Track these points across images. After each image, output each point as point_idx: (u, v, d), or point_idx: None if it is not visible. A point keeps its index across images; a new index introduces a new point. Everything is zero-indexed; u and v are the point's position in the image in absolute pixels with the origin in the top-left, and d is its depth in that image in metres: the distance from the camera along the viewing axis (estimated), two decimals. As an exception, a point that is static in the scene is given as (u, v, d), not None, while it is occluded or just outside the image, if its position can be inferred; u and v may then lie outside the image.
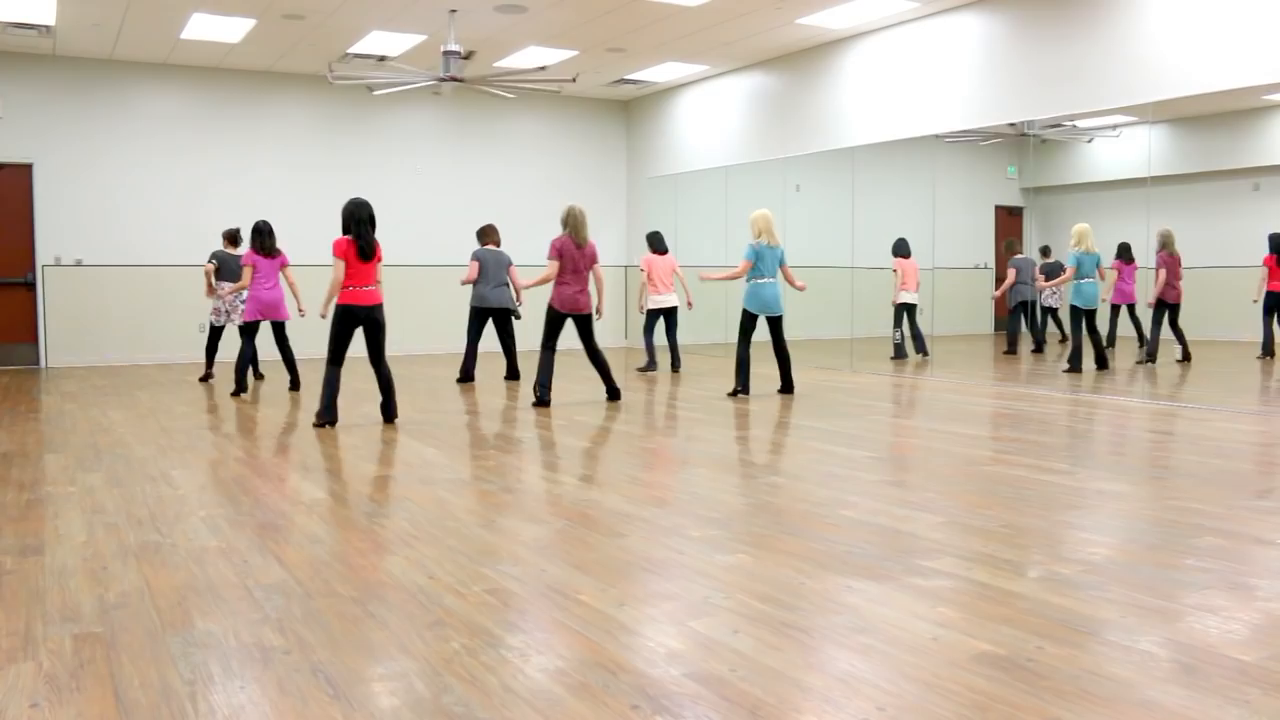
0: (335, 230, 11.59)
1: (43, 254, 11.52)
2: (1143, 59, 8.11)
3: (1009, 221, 12.08)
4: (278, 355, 9.42)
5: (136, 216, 11.91)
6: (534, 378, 8.12)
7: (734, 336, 8.64)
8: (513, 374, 9.84)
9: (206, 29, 10.27)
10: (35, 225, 11.48)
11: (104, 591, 3.33)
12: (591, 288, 8.15)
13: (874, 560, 3.62)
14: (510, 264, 9.64)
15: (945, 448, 5.98)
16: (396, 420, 7.15)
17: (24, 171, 11.42)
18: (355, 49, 11.10)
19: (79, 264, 11.68)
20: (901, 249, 11.61)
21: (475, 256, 9.53)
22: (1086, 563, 3.57)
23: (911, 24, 10.12)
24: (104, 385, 9.69)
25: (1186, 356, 10.07)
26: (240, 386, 8.79)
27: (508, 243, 12.21)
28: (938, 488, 4.85)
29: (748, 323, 8.47)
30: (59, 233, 11.58)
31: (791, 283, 8.56)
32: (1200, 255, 9.98)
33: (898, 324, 11.73)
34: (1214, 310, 10.09)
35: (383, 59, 11.41)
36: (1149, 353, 10.16)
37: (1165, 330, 10.08)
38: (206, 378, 9.97)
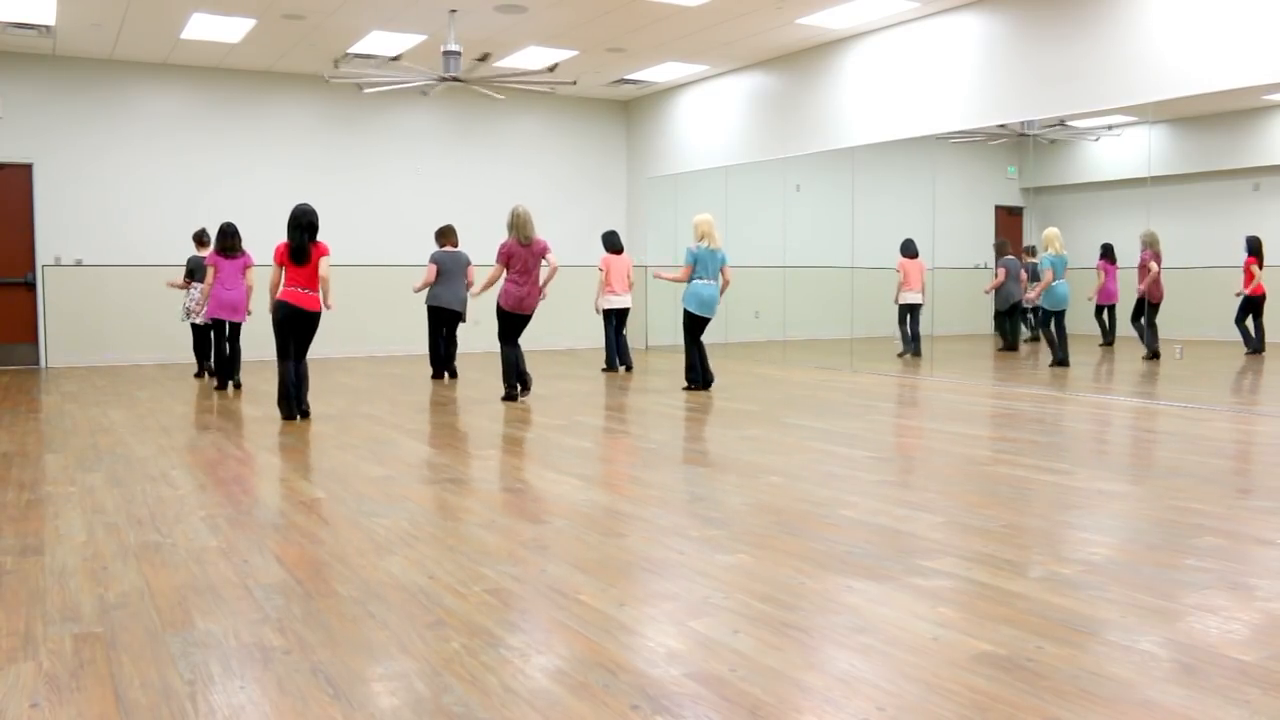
0: (333, 229, 11.61)
1: (43, 254, 11.52)
2: (1143, 59, 8.11)
3: (1009, 221, 12.08)
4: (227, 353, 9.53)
5: (136, 216, 11.91)
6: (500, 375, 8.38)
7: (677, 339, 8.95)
8: (452, 372, 10.10)
9: (206, 29, 10.27)
10: (35, 225, 11.48)
11: (104, 591, 3.33)
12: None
13: (874, 560, 3.62)
14: (469, 264, 9.87)
15: (945, 448, 5.98)
16: (309, 417, 7.36)
17: (24, 171, 11.42)
18: (355, 49, 11.10)
19: (79, 264, 11.68)
20: (907, 249, 11.64)
21: (433, 259, 9.75)
22: (1086, 563, 3.57)
23: (911, 24, 10.12)
24: (104, 385, 9.70)
25: (1155, 354, 10.20)
26: (222, 381, 9.33)
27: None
28: (938, 488, 4.85)
29: (690, 323, 8.87)
30: (59, 233, 11.57)
31: (727, 281, 8.90)
32: (1200, 255, 9.99)
33: (902, 322, 11.82)
34: (1214, 310, 10.09)
35: (371, 57, 11.41)
36: (1152, 350, 10.24)
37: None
38: (201, 374, 10.37)
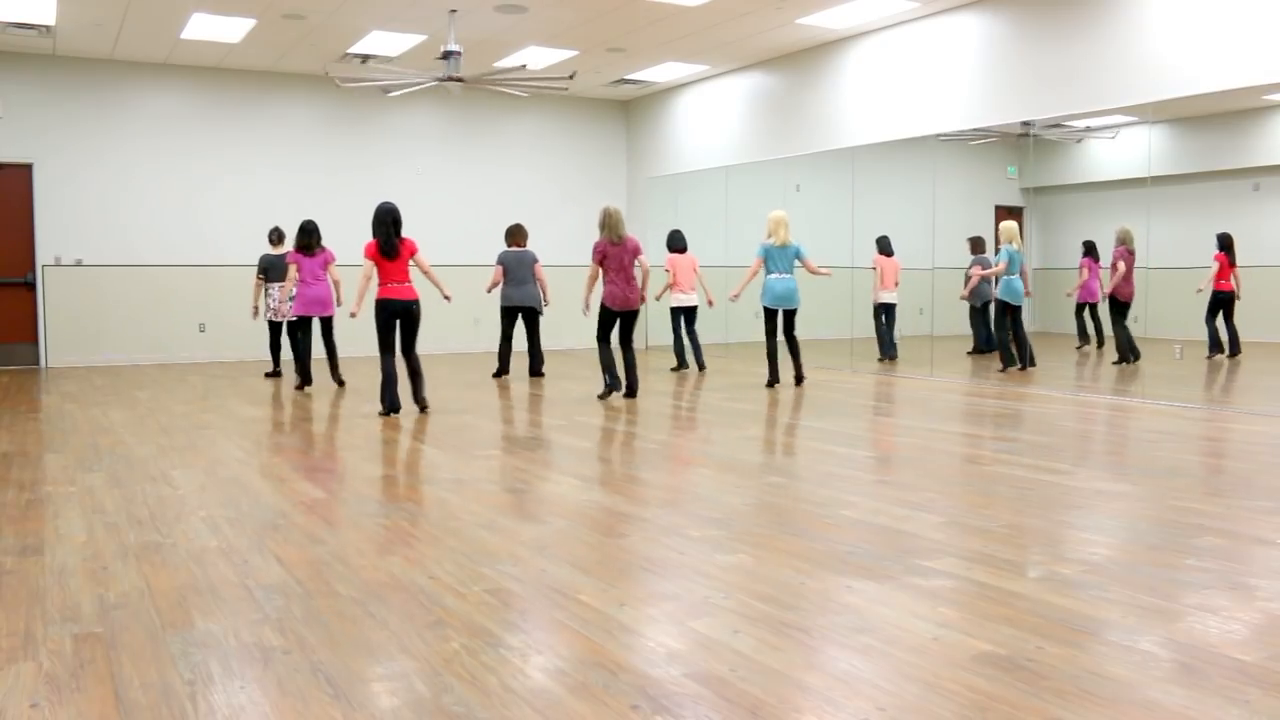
0: (334, 229, 11.62)
1: (43, 254, 11.52)
2: (1143, 59, 8.11)
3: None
4: (324, 351, 9.77)
5: (136, 216, 11.91)
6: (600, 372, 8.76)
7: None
8: (536, 370, 10.26)
9: (206, 29, 10.27)
10: (35, 225, 11.48)
11: (104, 591, 3.33)
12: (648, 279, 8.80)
13: (874, 560, 3.62)
14: (536, 262, 10.03)
15: (945, 447, 5.98)
16: (428, 410, 7.64)
17: (24, 171, 11.42)
18: (355, 49, 11.10)
19: (79, 264, 11.68)
20: (884, 246, 11.51)
21: (499, 259, 9.98)
22: (1086, 563, 3.57)
23: (911, 24, 10.12)
24: (104, 385, 9.70)
25: (1136, 356, 10.17)
26: (304, 380, 9.29)
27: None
28: (938, 488, 4.85)
29: (768, 318, 9.17)
30: (59, 233, 11.57)
31: (813, 272, 9.19)
32: (1200, 256, 9.98)
33: (879, 323, 11.70)
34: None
35: (368, 58, 11.41)
36: (1129, 350, 10.25)
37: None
38: (273, 374, 10.42)
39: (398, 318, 7.45)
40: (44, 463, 5.70)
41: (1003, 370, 10.09)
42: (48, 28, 10.20)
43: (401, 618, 3.04)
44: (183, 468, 5.51)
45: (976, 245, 11.23)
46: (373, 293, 7.62)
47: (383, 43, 10.85)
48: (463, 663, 2.69)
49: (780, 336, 9.21)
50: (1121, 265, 9.96)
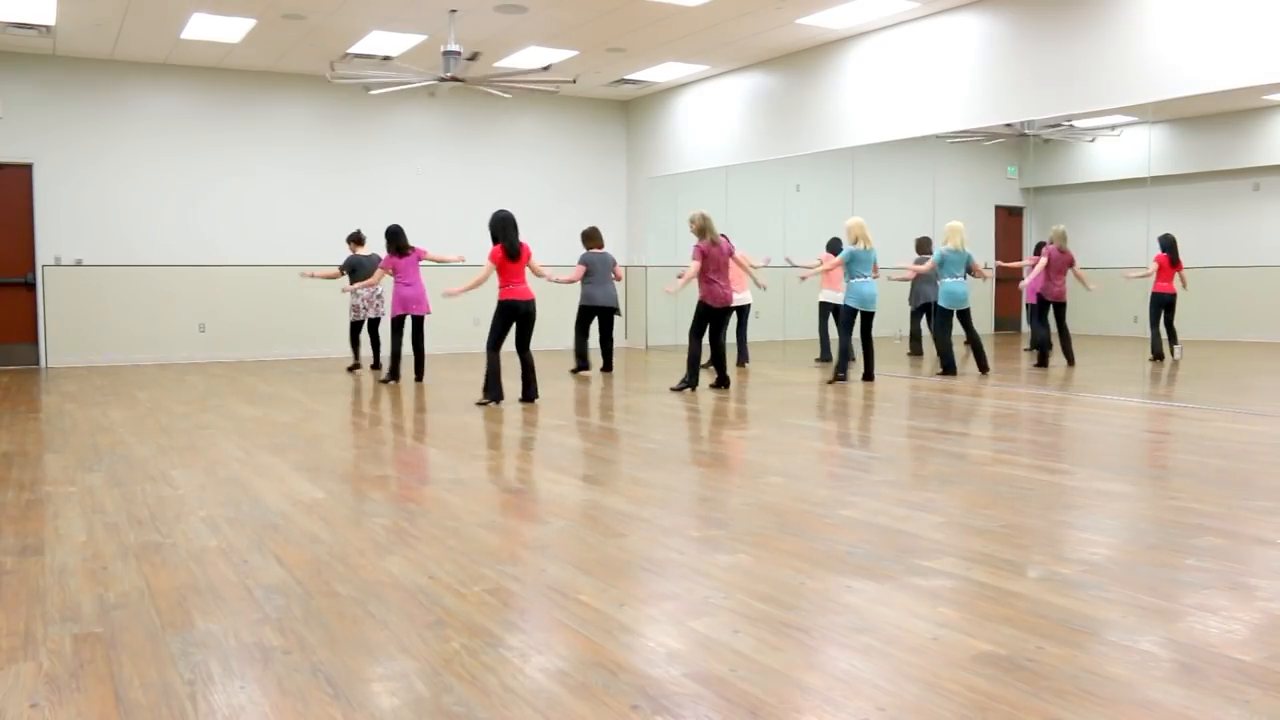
0: (336, 229, 11.65)
1: (43, 254, 11.52)
2: (1143, 59, 8.11)
3: (1009, 222, 12.09)
4: (410, 348, 10.08)
5: (136, 216, 11.91)
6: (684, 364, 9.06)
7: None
8: (608, 366, 10.64)
9: (206, 29, 10.27)
10: (35, 225, 11.48)
11: (104, 591, 3.33)
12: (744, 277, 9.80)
13: (874, 560, 3.62)
14: (615, 263, 10.49)
15: (944, 448, 5.98)
16: (536, 400, 8.15)
17: (24, 171, 11.42)
18: (355, 49, 11.10)
19: (79, 264, 11.68)
20: (832, 247, 10.98)
21: (582, 260, 10.40)
22: (1086, 563, 3.57)
23: (911, 24, 10.12)
24: (104, 385, 9.70)
25: (1069, 359, 10.18)
26: (393, 374, 9.71)
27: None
28: (938, 488, 4.85)
29: (849, 316, 9.56)
30: (59, 233, 11.57)
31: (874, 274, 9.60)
32: (1200, 255, 9.99)
33: (824, 322, 11.32)
34: (1215, 310, 10.09)
35: (386, 58, 11.41)
36: (1039, 350, 10.28)
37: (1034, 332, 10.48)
38: (354, 368, 10.93)
39: (518, 318, 7.93)
40: (44, 463, 5.70)
41: (940, 374, 9.80)
42: (48, 28, 10.20)
43: (401, 618, 3.04)
44: (183, 468, 5.52)
45: (922, 246, 10.92)
46: (488, 291, 8.21)
47: (383, 43, 10.85)
48: (463, 663, 2.69)
49: (856, 335, 9.56)
50: (1026, 262, 10.11)
